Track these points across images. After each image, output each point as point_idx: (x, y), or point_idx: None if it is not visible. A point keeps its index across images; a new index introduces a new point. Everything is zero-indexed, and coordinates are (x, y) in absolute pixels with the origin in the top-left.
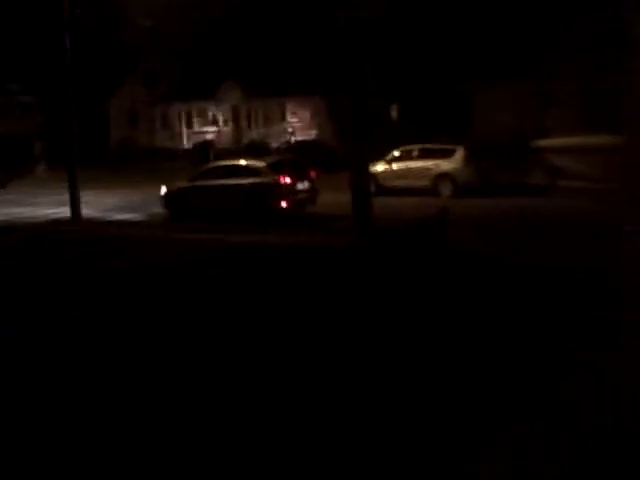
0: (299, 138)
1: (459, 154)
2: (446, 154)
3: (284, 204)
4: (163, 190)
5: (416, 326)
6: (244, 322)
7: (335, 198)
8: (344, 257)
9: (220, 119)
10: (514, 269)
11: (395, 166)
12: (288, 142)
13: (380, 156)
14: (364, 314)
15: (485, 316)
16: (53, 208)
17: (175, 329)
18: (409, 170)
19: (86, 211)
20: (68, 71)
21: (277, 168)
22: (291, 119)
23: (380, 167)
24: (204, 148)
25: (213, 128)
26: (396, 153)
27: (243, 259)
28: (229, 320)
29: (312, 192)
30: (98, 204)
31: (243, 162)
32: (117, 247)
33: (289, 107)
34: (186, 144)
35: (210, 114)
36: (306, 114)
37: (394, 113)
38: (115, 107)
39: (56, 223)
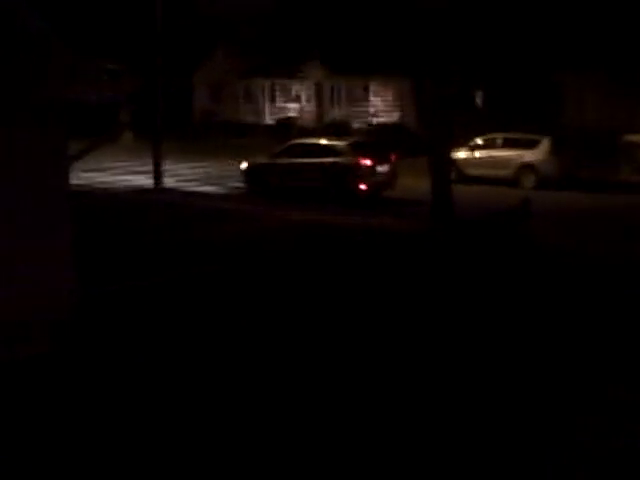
0: (381, 120)
1: (544, 145)
2: (531, 144)
3: (363, 186)
4: (244, 165)
5: (492, 319)
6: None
7: (415, 183)
8: (420, 243)
9: (303, 96)
10: (596, 267)
11: (478, 154)
12: (370, 123)
13: (463, 143)
14: (436, 304)
15: (564, 314)
16: (137, 176)
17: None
18: (492, 159)
19: (168, 180)
20: (158, 40)
21: (358, 149)
22: (374, 100)
23: (462, 154)
24: (286, 125)
25: (296, 105)
26: (479, 141)
27: (311, 239)
28: (300, 298)
29: (391, 175)
30: (180, 175)
31: (324, 141)
32: (197, 218)
33: (373, 87)
34: (268, 120)
35: (293, 91)
36: (389, 95)
37: (479, 100)
38: (200, 79)
39: (138, 192)
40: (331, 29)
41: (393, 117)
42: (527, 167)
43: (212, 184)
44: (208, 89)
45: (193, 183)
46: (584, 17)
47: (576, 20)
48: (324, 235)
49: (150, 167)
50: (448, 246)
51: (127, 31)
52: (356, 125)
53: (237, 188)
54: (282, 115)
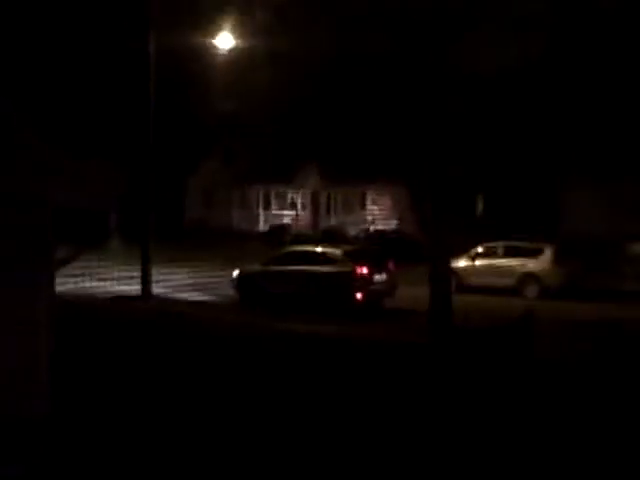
0: (379, 227)
1: (547, 254)
2: (533, 253)
3: (359, 296)
4: (235, 273)
5: (489, 443)
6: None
7: (414, 292)
8: (415, 355)
9: (299, 203)
10: (602, 386)
11: (478, 263)
12: (367, 231)
13: (463, 251)
14: (431, 419)
15: (568, 439)
16: (123, 284)
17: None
18: (493, 268)
19: (156, 289)
20: (151, 149)
21: (354, 257)
22: (371, 207)
23: (462, 263)
24: (280, 231)
25: (291, 212)
26: (480, 249)
27: (299, 351)
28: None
29: (390, 284)
30: (169, 282)
31: (319, 249)
32: (187, 328)
33: (370, 195)
34: (262, 226)
35: (289, 197)
36: (387, 203)
37: (480, 205)
38: (192, 185)
39: (125, 299)
40: (327, 136)
41: (391, 224)
42: (530, 276)
43: (202, 291)
44: (201, 194)
45: (184, 290)
46: (587, 125)
47: (579, 128)
48: (311, 346)
49: (138, 273)
50: (445, 358)
51: (118, 132)
52: (353, 232)
53: (228, 296)
54: (277, 222)
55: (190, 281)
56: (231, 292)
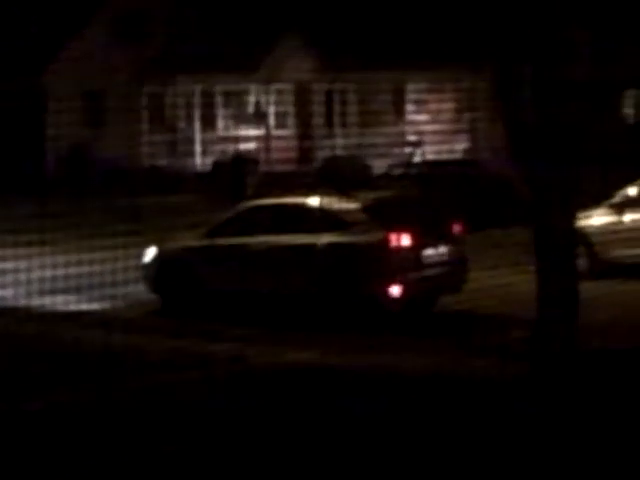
0: (431, 155)
1: None
2: None
3: (396, 290)
4: (151, 254)
5: None
6: None
7: (502, 281)
8: (511, 402)
9: (271, 112)
10: None
11: (630, 217)
12: (408, 162)
13: (600, 197)
14: None
15: None
16: None
17: None
18: None
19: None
20: None
21: (384, 216)
22: (415, 115)
23: (599, 219)
24: (237, 169)
25: (256, 130)
26: (632, 191)
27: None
28: None
29: (456, 267)
30: (25, 280)
31: (314, 201)
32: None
33: (411, 91)
34: (200, 162)
35: (251, 102)
36: (446, 105)
37: (629, 109)
38: (57, 84)
39: None
40: None
41: (456, 150)
42: None
43: (86, 295)
44: (77, 101)
45: (45, 293)
46: None
47: None
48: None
49: None
50: (564, 408)
51: None
52: (380, 167)
53: (137, 301)
54: (229, 151)
55: (59, 273)
56: (142, 291)
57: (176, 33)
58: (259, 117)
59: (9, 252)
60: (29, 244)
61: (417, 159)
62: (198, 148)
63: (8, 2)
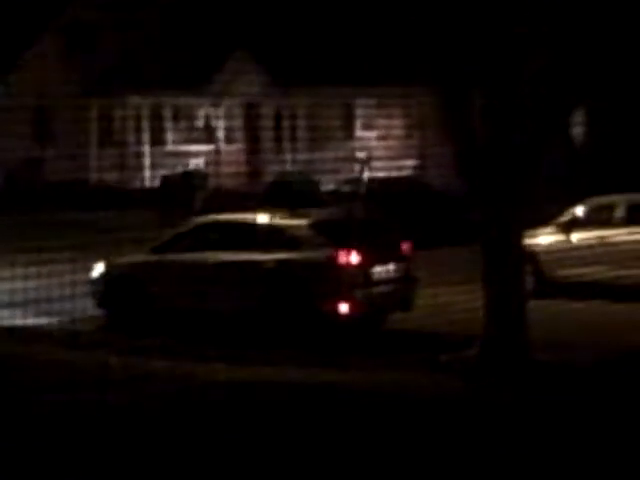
0: (380, 173)
1: None
2: None
3: (344, 307)
4: (98, 270)
5: None
6: None
7: (451, 298)
8: (458, 422)
9: (220, 129)
10: None
11: (577, 237)
12: (357, 179)
13: (547, 217)
14: None
15: None
16: None
17: None
18: (607, 245)
19: None
20: None
21: (334, 233)
22: (364, 133)
23: (546, 238)
24: (186, 184)
25: (206, 147)
26: (579, 211)
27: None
28: None
29: (405, 285)
30: None
31: (264, 218)
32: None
33: (360, 109)
34: (149, 178)
35: (200, 118)
36: (395, 123)
37: (578, 129)
38: (6, 98)
39: None
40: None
41: (404, 167)
42: None
43: (33, 311)
44: (29, 114)
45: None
46: None
47: None
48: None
49: None
50: (516, 427)
51: None
52: (328, 185)
53: (83, 318)
54: (177, 167)
55: (8, 290)
56: (89, 307)
57: (127, 47)
58: (207, 134)
59: None
60: None
61: (366, 176)
62: (147, 163)
63: None
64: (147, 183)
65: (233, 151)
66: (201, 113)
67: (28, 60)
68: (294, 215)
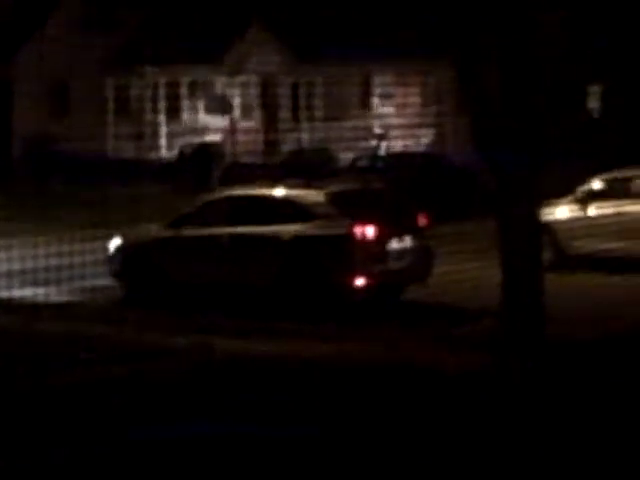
0: (396, 146)
1: None
2: None
3: (361, 280)
4: (115, 244)
5: None
6: None
7: (467, 272)
8: (475, 397)
9: (236, 103)
10: None
11: (595, 210)
12: (374, 154)
13: (564, 190)
14: None
15: None
16: None
17: None
18: (626, 218)
19: None
20: None
21: (350, 207)
22: (381, 107)
23: (563, 212)
24: (202, 159)
25: (222, 121)
26: (597, 184)
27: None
28: None
29: (421, 258)
30: None
31: (280, 191)
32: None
33: (377, 83)
34: (165, 151)
35: (217, 92)
36: (413, 99)
37: (594, 103)
38: (24, 72)
39: None
40: None
41: (421, 141)
42: None
43: (49, 284)
44: (43, 90)
45: (10, 284)
46: None
47: None
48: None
49: None
50: (532, 403)
51: None
52: (345, 158)
53: (101, 290)
54: (194, 141)
55: (25, 266)
56: (108, 282)
57: (143, 24)
58: (224, 108)
59: None
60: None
61: (382, 151)
62: (164, 139)
63: None
64: (164, 159)
65: (250, 125)
66: (216, 87)
67: (44, 37)
68: (310, 189)
